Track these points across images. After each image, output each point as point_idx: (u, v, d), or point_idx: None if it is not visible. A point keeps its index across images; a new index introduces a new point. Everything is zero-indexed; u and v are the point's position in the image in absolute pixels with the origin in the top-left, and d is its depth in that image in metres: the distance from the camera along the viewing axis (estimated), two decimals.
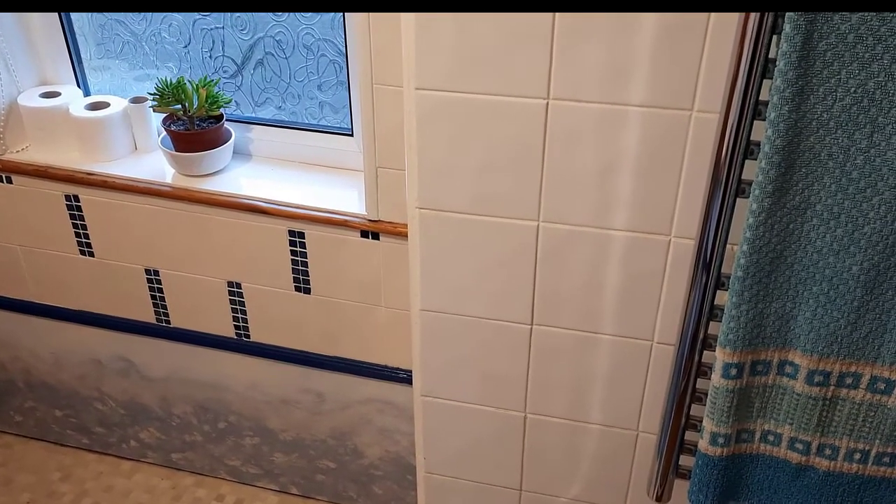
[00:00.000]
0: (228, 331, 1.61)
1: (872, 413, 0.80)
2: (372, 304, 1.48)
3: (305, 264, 1.47)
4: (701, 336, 0.83)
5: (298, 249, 1.46)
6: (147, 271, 1.58)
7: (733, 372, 0.81)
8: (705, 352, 0.85)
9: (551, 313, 0.96)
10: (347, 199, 1.42)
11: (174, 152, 1.45)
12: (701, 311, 0.81)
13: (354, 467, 1.75)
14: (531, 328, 0.98)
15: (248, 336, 1.61)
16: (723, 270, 0.80)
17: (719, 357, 0.81)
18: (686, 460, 0.93)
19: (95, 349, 1.74)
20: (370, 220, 1.38)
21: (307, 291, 1.50)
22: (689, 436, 0.92)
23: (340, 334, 1.54)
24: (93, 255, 1.59)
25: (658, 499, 0.96)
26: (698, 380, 0.87)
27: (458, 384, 1.06)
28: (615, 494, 1.08)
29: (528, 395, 1.04)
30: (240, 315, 1.58)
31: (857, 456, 0.83)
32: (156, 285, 1.59)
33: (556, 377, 1.01)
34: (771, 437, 0.86)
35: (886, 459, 0.83)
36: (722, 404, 0.83)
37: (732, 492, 0.91)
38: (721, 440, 0.86)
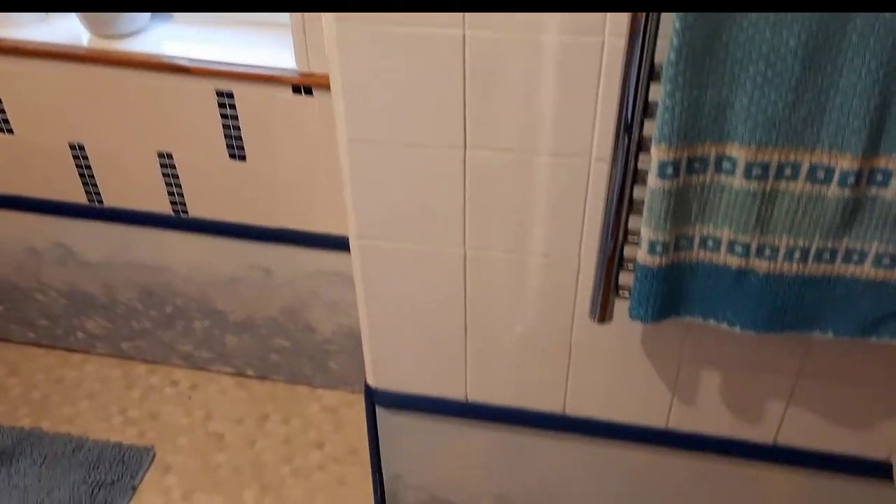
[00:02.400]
0: (165, 207, 1.54)
1: (812, 205, 0.78)
2: (311, 168, 1.42)
3: (237, 128, 1.40)
4: (636, 137, 0.79)
5: (228, 111, 1.38)
6: (72, 147, 1.49)
7: (669, 171, 0.77)
8: (642, 157, 0.81)
9: (485, 134, 0.91)
10: (277, 55, 1.34)
11: (86, 12, 1.34)
12: (634, 106, 0.76)
13: (308, 344, 1.73)
14: (465, 152, 0.93)
15: (185, 212, 1.54)
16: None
17: (655, 156, 0.77)
18: (628, 280, 0.90)
19: (29, 237, 1.67)
20: (301, 74, 1.30)
21: (242, 158, 1.44)
22: (630, 253, 0.89)
23: (281, 203, 1.49)
24: (12, 132, 1.50)
25: (601, 320, 0.94)
26: (636, 188, 0.83)
27: (394, 224, 1.01)
28: (560, 328, 1.06)
29: (466, 231, 1.00)
30: (175, 189, 1.51)
31: (797, 254, 0.81)
32: (83, 161, 1.51)
33: (495, 208, 0.97)
34: (710, 243, 0.83)
35: (826, 255, 0.81)
36: (658, 208, 0.80)
37: (673, 304, 0.89)
38: (659, 248, 0.83)
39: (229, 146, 1.42)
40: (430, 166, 0.95)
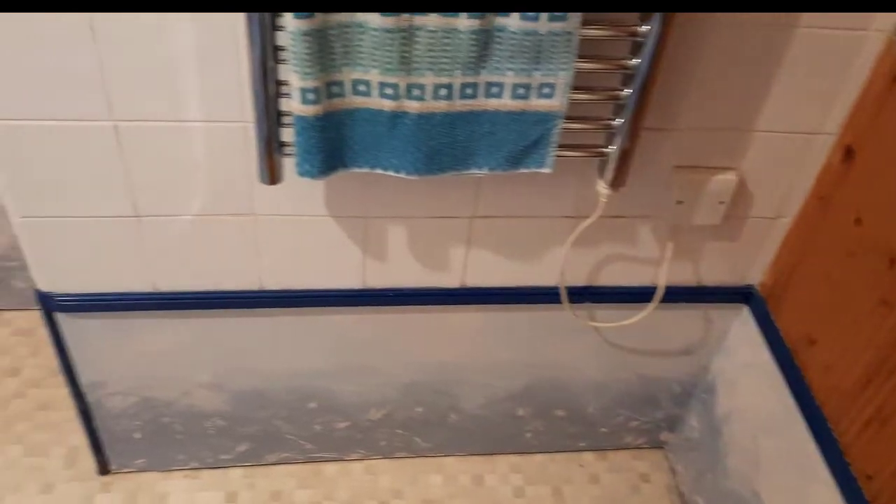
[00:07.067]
0: None
1: (448, 40, 0.79)
2: None
3: None
4: None
5: None
6: None
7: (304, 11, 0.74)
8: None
9: None
10: None
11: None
12: None
13: None
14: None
15: None
16: None
17: None
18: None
19: None
20: None
21: None
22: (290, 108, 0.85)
23: None
24: None
25: (271, 182, 0.91)
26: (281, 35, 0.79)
27: (29, 96, 0.88)
28: (239, 199, 1.02)
29: (112, 98, 0.90)
30: None
31: (443, 92, 0.83)
32: None
33: (138, 69, 0.88)
34: (362, 87, 0.82)
35: (469, 91, 0.84)
36: (300, 50, 0.77)
37: (338, 156, 0.88)
38: (311, 96, 0.80)
39: None
40: (58, 21, 0.83)
